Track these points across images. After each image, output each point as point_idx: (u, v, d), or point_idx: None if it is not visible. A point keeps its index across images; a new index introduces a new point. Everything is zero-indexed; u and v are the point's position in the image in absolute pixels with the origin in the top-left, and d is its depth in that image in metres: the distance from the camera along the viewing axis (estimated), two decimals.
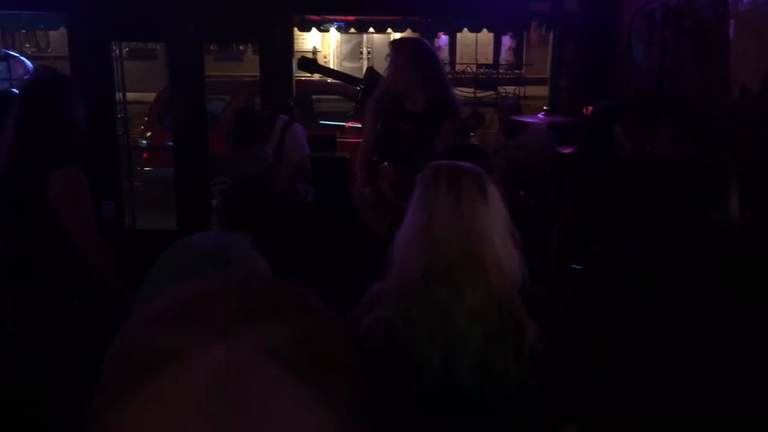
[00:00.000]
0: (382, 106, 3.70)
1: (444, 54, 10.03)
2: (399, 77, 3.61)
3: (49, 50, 14.30)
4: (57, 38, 11.91)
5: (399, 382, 1.66)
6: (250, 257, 2.40)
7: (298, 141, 4.73)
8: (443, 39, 10.73)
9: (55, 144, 2.82)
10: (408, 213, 1.79)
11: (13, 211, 2.85)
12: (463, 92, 8.17)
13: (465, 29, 7.00)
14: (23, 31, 13.37)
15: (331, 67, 13.27)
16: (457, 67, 9.38)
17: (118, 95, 6.50)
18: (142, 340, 0.56)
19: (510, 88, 8.69)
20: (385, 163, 3.68)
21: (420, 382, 1.65)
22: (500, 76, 9.65)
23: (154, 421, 0.52)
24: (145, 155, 8.02)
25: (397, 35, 7.95)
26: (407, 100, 3.64)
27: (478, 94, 8.08)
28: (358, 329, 1.69)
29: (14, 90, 4.99)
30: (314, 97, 8.77)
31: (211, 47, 10.21)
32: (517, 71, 11.00)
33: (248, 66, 12.02)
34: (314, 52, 14.07)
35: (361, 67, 13.58)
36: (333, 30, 8.14)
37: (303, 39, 12.58)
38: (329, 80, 8.18)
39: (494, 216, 1.71)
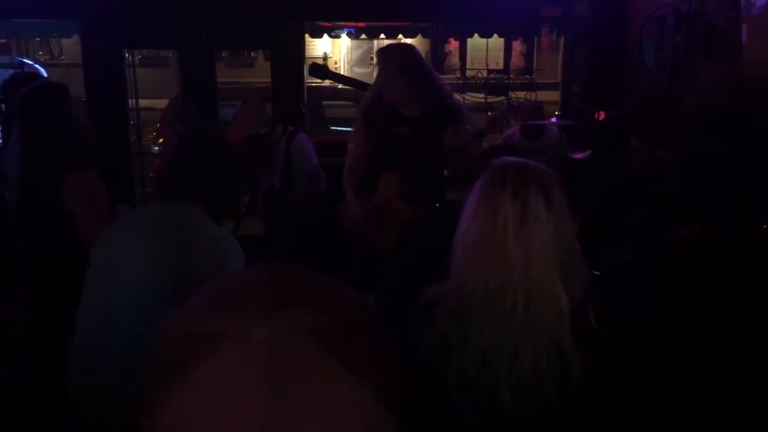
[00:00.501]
0: (374, 115, 3.64)
1: (454, 59, 10.04)
2: (391, 84, 3.55)
3: (62, 57, 14.42)
4: (70, 45, 12.00)
5: (447, 400, 1.66)
6: (207, 226, 2.24)
7: (305, 151, 4.76)
8: (454, 44, 10.74)
9: (63, 147, 2.86)
10: (470, 213, 1.71)
11: (27, 215, 2.88)
12: (474, 97, 8.16)
13: (475, 35, 7.00)
14: (37, 38, 13.49)
15: (342, 73, 13.30)
16: (468, 73, 9.38)
17: (131, 102, 6.54)
18: (185, 326, 0.60)
19: (521, 93, 8.67)
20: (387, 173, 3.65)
21: (467, 402, 1.65)
22: (511, 82, 9.64)
23: (201, 402, 0.55)
24: (157, 161, 8.07)
25: (409, 41, 7.97)
26: (401, 106, 3.59)
27: (489, 99, 8.07)
28: (413, 338, 1.68)
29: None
30: (325, 103, 8.80)
31: (223, 54, 10.27)
32: (527, 76, 10.98)
33: (259, 72, 12.06)
34: (325, 58, 14.12)
35: (371, 73, 13.62)
36: (344, 36, 8.16)
37: (314, 45, 12.64)
38: (340, 86, 8.20)
39: (558, 228, 1.65)
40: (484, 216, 1.66)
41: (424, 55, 3.92)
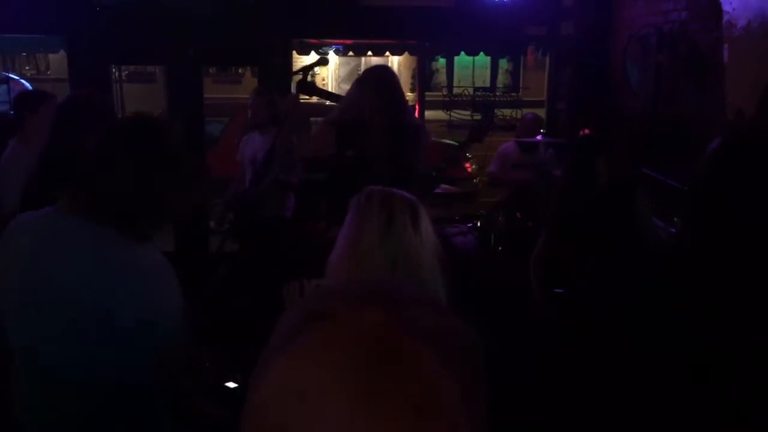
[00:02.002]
0: (345, 128, 3.78)
1: (441, 77, 10.10)
2: (363, 103, 3.68)
3: (48, 72, 14.39)
4: (57, 60, 11.98)
5: None
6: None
7: (291, 145, 4.84)
8: (440, 62, 10.80)
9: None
10: (342, 229, 1.85)
11: None
12: (460, 114, 8.22)
13: (462, 53, 7.07)
14: (23, 53, 13.46)
15: (330, 89, 13.35)
16: (455, 90, 9.44)
17: (118, 117, 6.53)
18: (299, 309, 0.68)
19: (507, 111, 8.74)
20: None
21: None
22: (497, 99, 9.72)
23: (303, 366, 0.61)
24: None
25: (396, 59, 8.01)
26: (368, 125, 3.68)
27: (475, 117, 8.13)
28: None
29: (13, 112, 5.02)
30: (312, 119, 8.82)
31: (210, 70, 10.29)
32: (513, 94, 11.08)
33: (247, 88, 12.09)
34: (313, 74, 14.20)
35: None
36: (331, 53, 8.21)
37: (301, 62, 12.69)
38: (327, 103, 8.22)
39: (424, 241, 1.77)
40: (352, 229, 1.79)
41: (411, 73, 4.04)
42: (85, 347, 1.74)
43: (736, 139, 1.66)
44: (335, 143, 3.81)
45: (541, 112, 7.18)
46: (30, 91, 5.52)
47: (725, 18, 4.03)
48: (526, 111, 8.09)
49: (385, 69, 4.22)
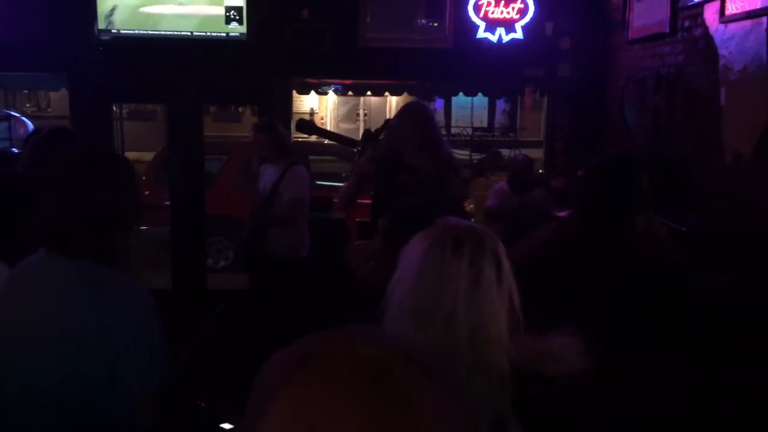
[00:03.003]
0: (384, 163, 3.94)
1: (440, 117, 10.18)
2: (406, 139, 3.89)
3: (49, 110, 14.48)
4: (57, 98, 12.06)
5: None
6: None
7: (293, 180, 4.87)
8: (439, 102, 10.90)
9: None
10: (415, 271, 1.59)
11: None
12: (458, 155, 8.26)
13: (461, 93, 7.14)
14: (25, 91, 13.56)
15: (328, 128, 13.44)
16: (453, 130, 9.52)
17: None
18: (292, 348, 0.67)
19: (505, 151, 8.79)
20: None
21: None
22: (495, 139, 9.78)
23: (302, 410, 0.61)
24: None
25: (394, 99, 8.07)
26: (408, 157, 3.84)
27: (473, 157, 8.17)
28: None
29: (14, 149, 5.04)
30: (311, 157, 8.86)
31: (210, 108, 10.37)
32: (511, 134, 11.16)
33: (246, 127, 12.17)
34: (311, 113, 14.27)
35: (357, 128, 13.77)
36: (330, 92, 8.28)
37: (301, 101, 12.79)
38: (326, 141, 8.28)
39: (504, 298, 1.58)
40: (434, 279, 1.56)
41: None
42: (50, 387, 1.75)
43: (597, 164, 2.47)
44: (374, 178, 3.99)
45: (539, 153, 7.23)
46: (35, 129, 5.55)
47: (722, 62, 4.07)
48: (522, 151, 8.15)
49: (420, 105, 4.40)
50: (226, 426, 2.41)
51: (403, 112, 4.16)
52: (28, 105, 15.30)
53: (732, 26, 3.97)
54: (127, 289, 1.83)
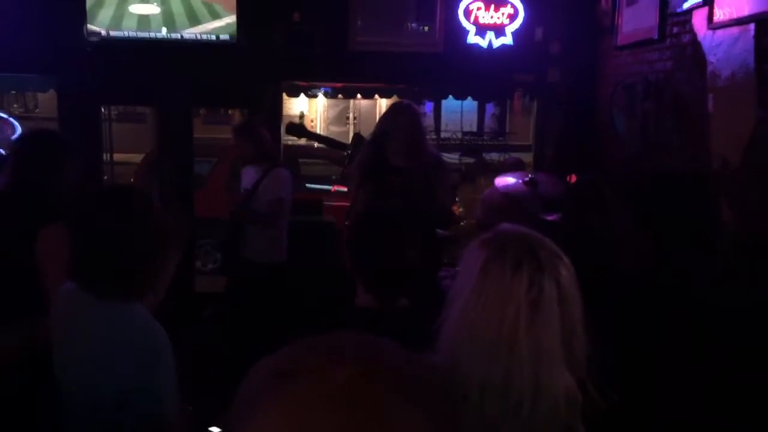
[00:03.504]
0: (371, 166, 3.90)
1: (430, 121, 10.20)
2: (392, 138, 3.82)
3: (37, 111, 14.39)
4: (45, 99, 11.99)
5: None
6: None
7: (274, 180, 4.85)
8: (429, 106, 10.92)
9: (46, 201, 2.83)
10: (473, 287, 1.50)
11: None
12: (448, 158, 8.27)
13: (450, 97, 7.15)
14: (12, 92, 13.48)
15: (318, 131, 13.42)
16: (443, 134, 9.54)
17: (106, 156, 6.52)
18: (265, 365, 0.67)
19: (494, 156, 8.82)
20: None
21: None
22: (485, 143, 9.81)
23: (289, 419, 0.60)
24: None
25: (384, 102, 8.08)
26: (393, 157, 3.82)
27: (463, 160, 8.19)
28: None
29: (1, 151, 5.00)
30: (301, 161, 8.86)
31: (200, 111, 10.35)
32: (501, 138, 11.19)
33: None
34: (301, 116, 14.25)
35: (347, 132, 13.76)
36: (320, 95, 8.28)
37: (290, 103, 12.77)
38: (316, 145, 8.28)
39: (565, 316, 1.49)
40: (493, 299, 1.47)
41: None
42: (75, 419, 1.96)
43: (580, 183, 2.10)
44: (370, 184, 3.93)
45: (529, 157, 7.25)
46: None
47: (709, 68, 4.10)
48: (511, 155, 8.17)
49: (406, 104, 4.36)
50: (215, 429, 2.40)
51: (389, 110, 4.16)
52: (15, 106, 15.19)
53: (720, 33, 4.00)
54: (142, 326, 1.97)
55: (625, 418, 1.76)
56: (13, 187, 2.86)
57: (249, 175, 5.05)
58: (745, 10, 3.69)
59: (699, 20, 4.24)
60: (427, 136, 4.53)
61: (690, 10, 4.34)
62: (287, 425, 0.60)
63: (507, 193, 5.56)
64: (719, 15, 3.97)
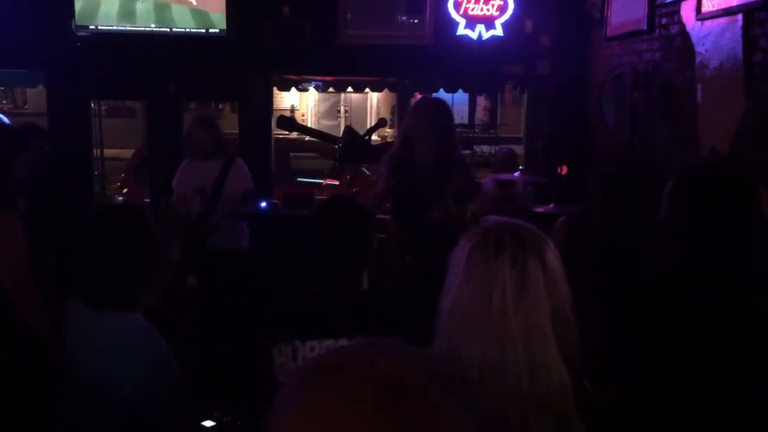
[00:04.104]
0: (395, 160, 3.86)
1: None
2: (416, 134, 3.78)
3: (26, 106, 14.31)
4: (34, 94, 11.92)
5: None
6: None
7: (243, 172, 4.76)
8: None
9: None
10: (460, 276, 1.54)
11: None
12: None
13: (441, 89, 7.15)
14: (1, 88, 13.40)
15: (309, 124, 13.39)
16: None
17: (96, 152, 6.50)
18: (309, 363, 0.71)
19: (485, 148, 8.83)
20: (385, 217, 3.76)
21: None
22: (476, 136, 9.82)
23: (331, 409, 0.62)
24: None
25: (375, 95, 8.08)
26: (418, 154, 3.76)
27: None
28: None
29: None
30: (292, 154, 8.84)
31: (191, 105, 10.33)
32: (492, 131, 11.20)
33: (227, 124, 12.11)
34: (292, 110, 14.21)
35: (338, 125, 13.74)
36: (311, 89, 8.27)
37: (281, 97, 12.74)
38: (307, 138, 8.27)
39: (553, 297, 1.52)
40: (479, 283, 1.51)
41: (391, 109, 4.13)
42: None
43: (687, 177, 2.06)
44: (391, 177, 3.86)
45: (519, 149, 7.27)
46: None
47: (698, 59, 4.12)
48: (503, 146, 8.19)
49: (431, 100, 4.28)
50: (208, 423, 2.41)
51: (414, 106, 4.10)
52: (4, 102, 15.10)
53: (708, 24, 4.02)
54: (143, 336, 2.05)
55: (625, 412, 1.77)
56: None
57: (201, 170, 4.75)
58: (734, 1, 3.71)
59: (687, 11, 4.25)
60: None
61: (678, 1, 4.35)
62: (335, 411, 0.61)
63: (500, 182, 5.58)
64: (707, 6, 3.98)
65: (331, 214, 2.31)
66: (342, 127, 8.29)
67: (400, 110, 7.17)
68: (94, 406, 2.02)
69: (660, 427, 1.80)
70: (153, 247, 2.12)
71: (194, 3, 5.90)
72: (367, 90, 7.94)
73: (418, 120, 3.83)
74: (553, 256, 1.54)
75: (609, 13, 5.51)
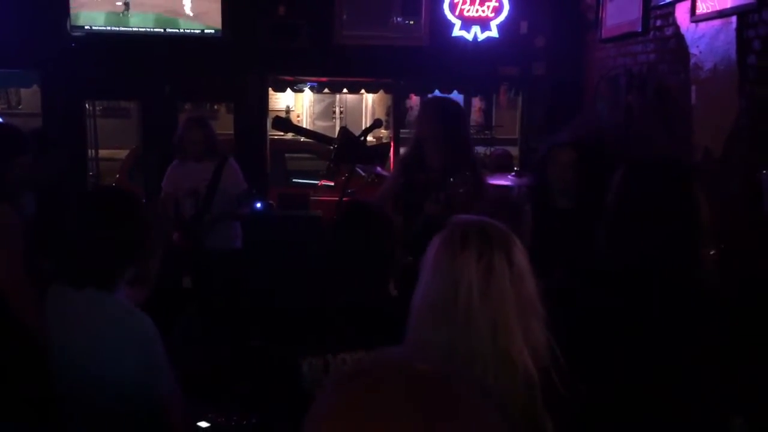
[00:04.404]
0: (406, 160, 3.86)
1: (416, 114, 10.19)
2: (425, 135, 3.73)
3: (20, 107, 14.26)
4: (28, 95, 11.88)
5: None
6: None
7: (237, 173, 4.74)
8: (415, 100, 10.92)
9: None
10: (430, 272, 1.58)
11: None
12: None
13: (436, 91, 7.16)
14: None
15: (304, 125, 13.38)
16: None
17: (90, 152, 6.48)
18: (349, 368, 0.76)
19: (480, 149, 8.83)
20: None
21: None
22: (471, 137, 9.80)
23: (367, 406, 0.64)
24: None
25: (370, 97, 8.08)
26: (429, 156, 3.73)
27: None
28: None
29: None
30: (287, 155, 8.83)
31: (185, 106, 10.34)
32: (487, 132, 11.20)
33: (222, 124, 12.09)
34: (287, 111, 14.20)
35: (333, 126, 13.72)
36: (306, 90, 8.26)
37: (276, 98, 12.72)
38: (302, 139, 8.26)
39: (519, 291, 1.54)
40: (446, 277, 1.55)
41: (386, 110, 4.10)
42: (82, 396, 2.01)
43: (632, 170, 2.11)
44: (400, 176, 3.84)
45: (514, 150, 7.27)
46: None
47: (692, 60, 4.14)
48: (498, 147, 8.19)
49: (438, 100, 4.23)
50: (203, 424, 2.40)
51: (421, 106, 4.08)
52: None
53: (702, 25, 4.03)
54: (127, 314, 2.03)
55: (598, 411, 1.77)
56: None
57: (193, 171, 4.68)
58: (728, 3, 3.72)
59: (682, 13, 4.27)
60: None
61: (673, 3, 4.37)
62: (364, 407, 0.64)
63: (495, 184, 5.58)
64: (702, 7, 4.00)
65: (357, 220, 2.23)
66: (337, 128, 8.28)
67: (396, 111, 7.15)
68: (81, 389, 2.01)
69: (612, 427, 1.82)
70: (141, 227, 2.10)
71: (191, 15, 5.90)
72: (363, 91, 7.93)
73: (423, 120, 3.81)
74: (520, 254, 1.57)
75: (604, 15, 5.52)
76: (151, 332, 2.02)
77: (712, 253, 2.45)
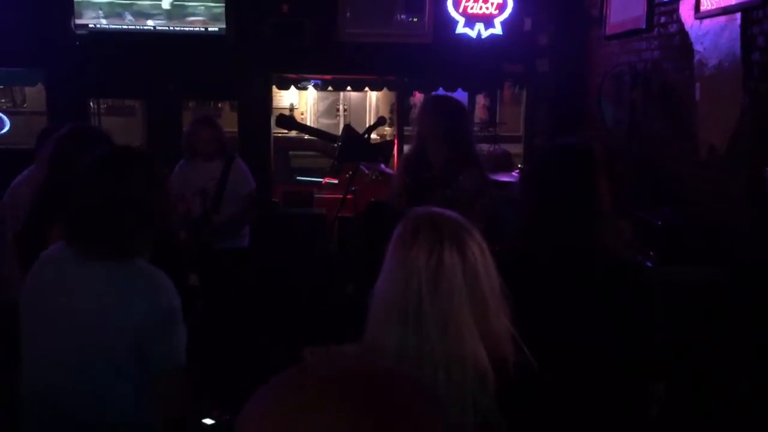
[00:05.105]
0: (410, 159, 3.87)
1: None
2: (426, 133, 3.74)
3: (25, 105, 14.27)
4: (33, 93, 11.89)
5: None
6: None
7: (245, 173, 4.73)
8: (418, 97, 10.91)
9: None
10: (385, 269, 1.54)
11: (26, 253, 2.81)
12: None
13: (440, 88, 7.16)
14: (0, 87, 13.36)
15: (308, 123, 13.35)
16: None
17: None
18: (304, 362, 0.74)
19: (484, 146, 8.82)
20: None
21: None
22: (475, 134, 9.79)
23: (307, 403, 0.63)
24: None
25: (374, 94, 8.09)
26: (431, 154, 3.74)
27: None
28: None
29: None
30: (291, 153, 8.84)
31: (190, 104, 10.34)
32: (491, 129, 11.17)
33: (226, 122, 12.09)
34: (291, 108, 14.17)
35: (337, 124, 13.69)
36: (310, 88, 8.26)
37: (280, 96, 12.71)
38: (306, 137, 8.26)
39: (473, 286, 1.49)
40: (397, 275, 1.50)
41: (390, 108, 4.09)
42: (85, 373, 1.90)
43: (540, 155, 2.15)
44: (405, 175, 3.85)
45: (518, 147, 7.27)
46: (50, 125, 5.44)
47: (696, 57, 4.13)
48: (500, 146, 8.17)
49: (435, 98, 4.22)
50: (208, 421, 2.41)
51: (421, 104, 4.07)
52: (3, 100, 15.06)
53: (707, 22, 4.02)
54: (148, 278, 1.92)
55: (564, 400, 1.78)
56: (50, 179, 2.88)
57: (201, 170, 4.66)
58: (732, 0, 3.72)
59: (686, 10, 4.26)
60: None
61: (677, 0, 4.36)
62: (303, 405, 0.63)
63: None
64: (706, 4, 3.99)
65: (381, 220, 2.27)
66: (341, 126, 8.28)
67: (399, 109, 7.15)
68: (93, 347, 1.90)
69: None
70: (157, 188, 1.99)
71: (195, 13, 5.91)
72: (366, 89, 7.93)
73: (423, 118, 3.82)
74: (476, 248, 1.51)
75: (608, 12, 5.51)
76: (175, 295, 1.93)
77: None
